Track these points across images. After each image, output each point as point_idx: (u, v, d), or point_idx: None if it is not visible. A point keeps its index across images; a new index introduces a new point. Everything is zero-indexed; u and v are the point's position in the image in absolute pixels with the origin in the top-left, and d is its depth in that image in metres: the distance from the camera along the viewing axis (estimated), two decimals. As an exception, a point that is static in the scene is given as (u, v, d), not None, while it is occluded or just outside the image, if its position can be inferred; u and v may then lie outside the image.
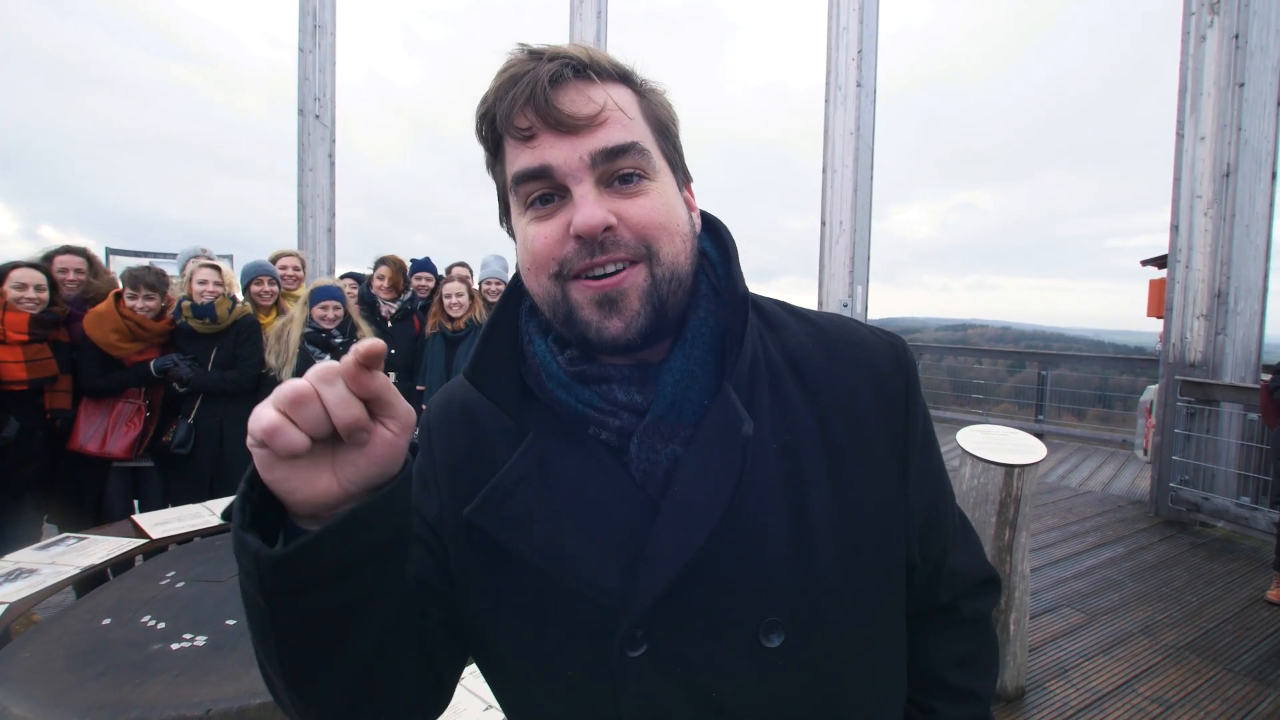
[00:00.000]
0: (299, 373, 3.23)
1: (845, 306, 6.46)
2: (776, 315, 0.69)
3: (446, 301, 3.71)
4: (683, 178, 0.64)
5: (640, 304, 0.56)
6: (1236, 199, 4.73)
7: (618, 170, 0.56)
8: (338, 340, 3.34)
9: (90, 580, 2.18)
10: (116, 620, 1.71)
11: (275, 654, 0.50)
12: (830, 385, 0.64)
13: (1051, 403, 8.76)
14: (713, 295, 0.63)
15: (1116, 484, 6.15)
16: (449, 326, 3.71)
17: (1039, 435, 8.06)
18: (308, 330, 3.26)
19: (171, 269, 4.13)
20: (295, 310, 3.32)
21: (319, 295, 3.29)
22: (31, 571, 1.99)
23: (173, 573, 2.01)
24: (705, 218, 0.69)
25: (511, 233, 0.63)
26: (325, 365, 0.46)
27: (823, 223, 6.43)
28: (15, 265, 2.88)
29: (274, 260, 3.82)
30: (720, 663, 0.58)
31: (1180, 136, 5.02)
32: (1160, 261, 5.99)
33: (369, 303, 3.84)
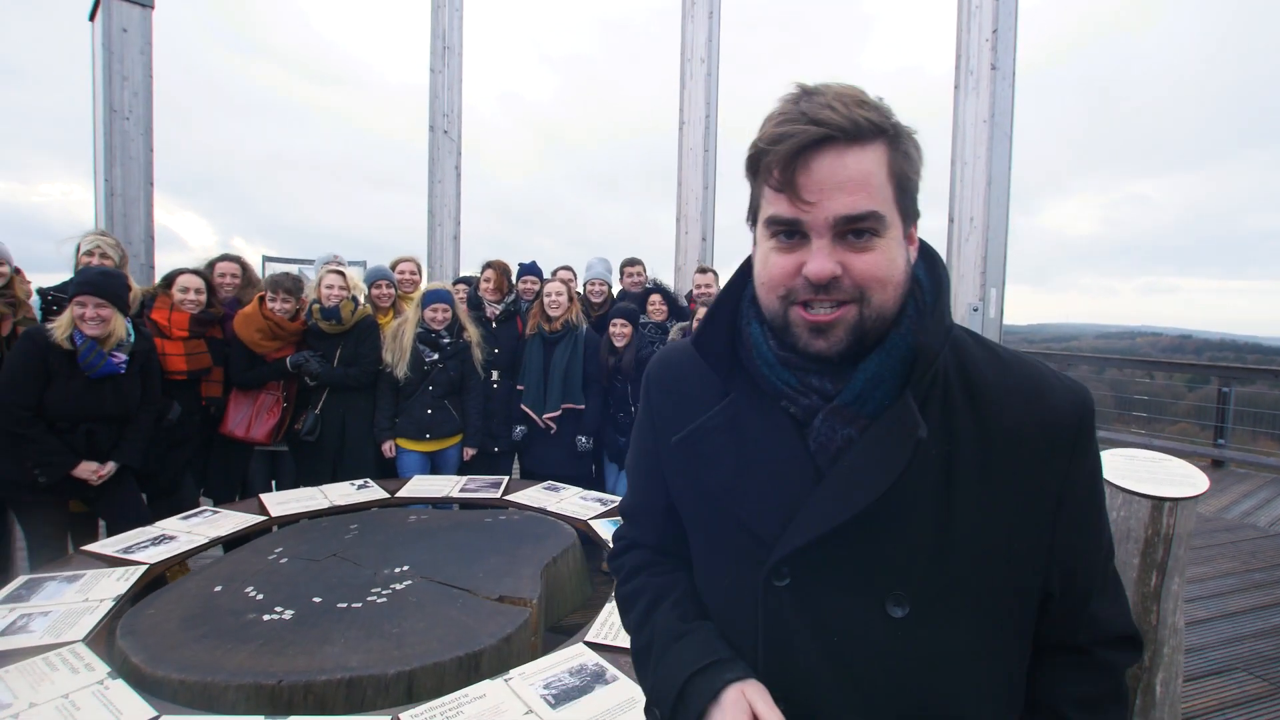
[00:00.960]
0: (411, 369, 3.49)
1: (976, 311, 5.88)
2: (962, 339, 0.75)
3: (546, 300, 3.81)
4: (912, 219, 0.71)
5: (845, 334, 0.66)
6: None
7: (853, 228, 0.64)
8: (445, 340, 3.54)
9: (235, 541, 2.46)
10: (226, 589, 1.90)
11: None
12: (998, 408, 0.69)
13: (1242, 425, 7.44)
14: (916, 315, 0.70)
15: (1325, 526, 5.09)
16: (547, 327, 3.80)
17: (1219, 462, 6.89)
18: (419, 331, 3.49)
19: (313, 274, 4.60)
20: (409, 312, 3.57)
21: (429, 299, 3.52)
22: (172, 538, 2.27)
23: (280, 548, 2.21)
24: (923, 249, 0.76)
25: (754, 231, 0.74)
26: None
27: (950, 220, 5.90)
28: (181, 271, 3.33)
29: (393, 266, 4.12)
30: (849, 617, 0.68)
31: None
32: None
33: (477, 305, 4.04)
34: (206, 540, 2.28)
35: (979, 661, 0.69)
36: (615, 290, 4.97)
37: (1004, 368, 0.72)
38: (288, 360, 3.49)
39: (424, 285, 4.13)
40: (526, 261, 4.47)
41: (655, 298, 4.25)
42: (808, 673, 0.69)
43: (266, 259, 5.95)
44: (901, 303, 0.69)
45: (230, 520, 2.48)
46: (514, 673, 1.51)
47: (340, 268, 3.67)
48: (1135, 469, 2.44)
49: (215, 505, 2.78)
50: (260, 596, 1.86)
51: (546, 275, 4.45)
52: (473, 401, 3.68)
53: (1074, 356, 9.96)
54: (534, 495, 2.93)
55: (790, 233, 0.66)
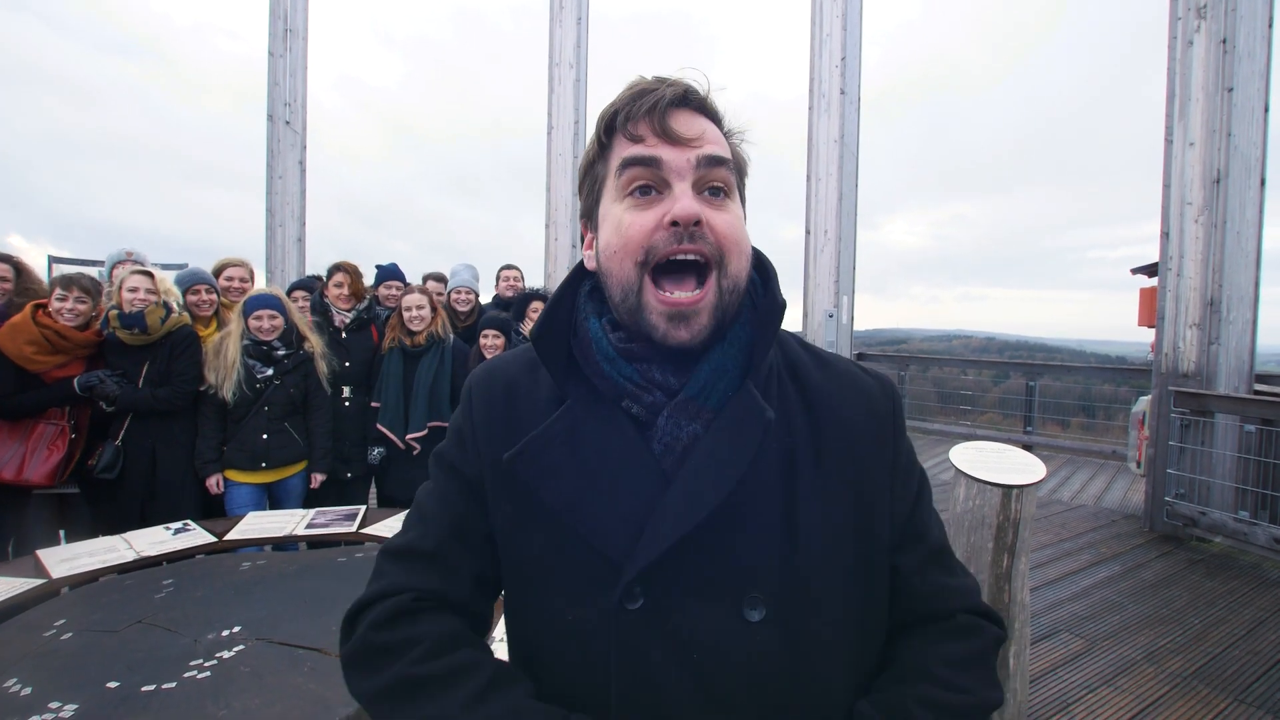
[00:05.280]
0: (240, 389, 3.00)
1: (831, 316, 6.29)
2: (786, 340, 0.80)
3: (406, 315, 3.47)
4: (744, 210, 0.74)
5: (708, 319, 0.66)
6: (1227, 205, 4.62)
7: (711, 180, 0.67)
8: (281, 353, 3.08)
9: (3, 616, 1.91)
10: (-26, 685, 1.45)
11: None
12: (825, 398, 0.74)
13: (1045, 414, 8.63)
14: (750, 310, 0.73)
15: (1109, 497, 6.00)
16: (409, 341, 3.46)
17: (1027, 447, 7.93)
18: (247, 343, 3.01)
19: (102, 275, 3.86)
20: (232, 323, 3.06)
21: (253, 305, 3.03)
22: (-106, 623, 1.72)
23: (63, 620, 1.75)
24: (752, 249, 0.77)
25: (588, 227, 0.76)
26: None
27: (807, 231, 6.27)
28: (-81, 273, 2.62)
29: (219, 269, 3.56)
30: (706, 629, 0.65)
31: (1169, 142, 4.92)
32: (1151, 270, 5.89)
33: (323, 312, 3.58)
34: (-51, 620, 1.75)
35: (840, 649, 0.69)
36: (488, 297, 4.69)
37: (824, 366, 0.78)
38: (75, 381, 2.86)
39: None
40: (385, 264, 4.07)
41: (537, 304, 3.99)
42: (673, 700, 0.64)
43: (54, 260, 4.91)
44: (747, 285, 0.70)
45: (-11, 589, 1.93)
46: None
47: (146, 268, 3.08)
48: (985, 460, 2.65)
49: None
50: (27, 691, 1.43)
51: (412, 281, 4.09)
52: (319, 420, 3.24)
53: (906, 357, 11.03)
54: (397, 525, 2.62)
55: (647, 187, 0.67)
